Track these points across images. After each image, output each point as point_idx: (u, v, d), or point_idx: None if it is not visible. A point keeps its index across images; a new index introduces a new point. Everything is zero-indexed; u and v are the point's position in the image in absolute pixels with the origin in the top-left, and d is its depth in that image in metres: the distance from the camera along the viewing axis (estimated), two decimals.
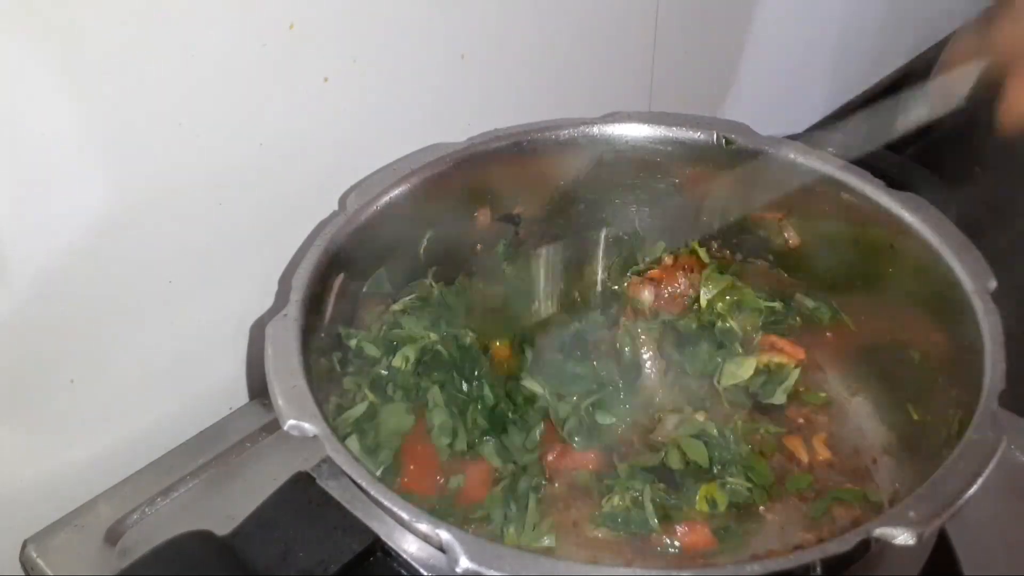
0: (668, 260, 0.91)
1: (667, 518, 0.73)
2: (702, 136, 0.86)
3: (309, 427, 0.61)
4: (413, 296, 0.85)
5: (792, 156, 0.83)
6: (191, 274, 0.79)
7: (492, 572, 0.54)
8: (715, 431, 0.79)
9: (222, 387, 0.88)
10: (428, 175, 0.81)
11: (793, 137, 0.93)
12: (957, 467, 0.59)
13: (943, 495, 0.58)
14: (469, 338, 0.82)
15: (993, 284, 0.71)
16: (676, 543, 0.72)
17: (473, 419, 0.78)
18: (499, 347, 0.86)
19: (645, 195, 0.90)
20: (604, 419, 0.81)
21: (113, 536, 0.76)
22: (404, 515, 0.57)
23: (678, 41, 1.10)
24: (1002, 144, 0.68)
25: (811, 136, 1.34)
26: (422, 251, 0.84)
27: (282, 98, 0.78)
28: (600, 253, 0.94)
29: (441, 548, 0.56)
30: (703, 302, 0.89)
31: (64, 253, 0.71)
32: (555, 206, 0.90)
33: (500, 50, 0.93)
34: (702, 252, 0.91)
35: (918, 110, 0.69)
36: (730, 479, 0.76)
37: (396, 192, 0.80)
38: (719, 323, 0.89)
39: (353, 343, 0.79)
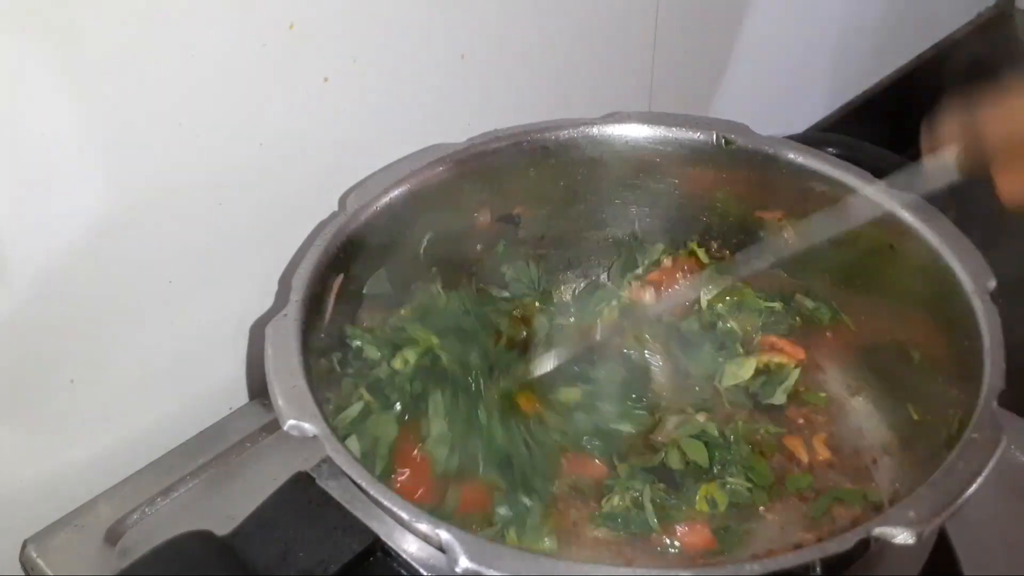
0: (667, 262, 0.91)
1: (667, 518, 0.73)
2: (702, 136, 0.86)
3: (309, 427, 0.61)
4: (418, 303, 0.85)
5: (792, 156, 0.83)
6: (191, 274, 0.79)
7: (492, 572, 0.54)
8: (715, 431, 0.79)
9: (222, 387, 0.88)
10: (428, 175, 0.81)
11: (793, 137, 0.93)
12: (957, 467, 0.59)
13: (943, 495, 0.58)
14: (474, 354, 0.80)
15: (993, 284, 0.71)
16: (676, 543, 0.72)
17: (474, 442, 0.76)
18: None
19: (645, 195, 0.90)
20: (624, 426, 0.80)
21: (113, 536, 0.76)
22: (404, 515, 0.57)
23: (678, 41, 1.10)
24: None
25: (811, 136, 1.34)
26: (422, 251, 0.84)
27: (282, 98, 0.78)
28: (600, 255, 0.94)
29: (441, 548, 0.56)
30: (703, 303, 0.90)
31: (64, 253, 0.71)
32: (555, 206, 0.90)
33: (500, 50, 0.93)
34: (701, 252, 0.91)
35: (915, 186, 0.70)
36: (730, 479, 0.76)
37: (396, 192, 0.80)
38: (720, 323, 0.89)
39: (356, 343, 0.79)
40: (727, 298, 0.89)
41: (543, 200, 0.89)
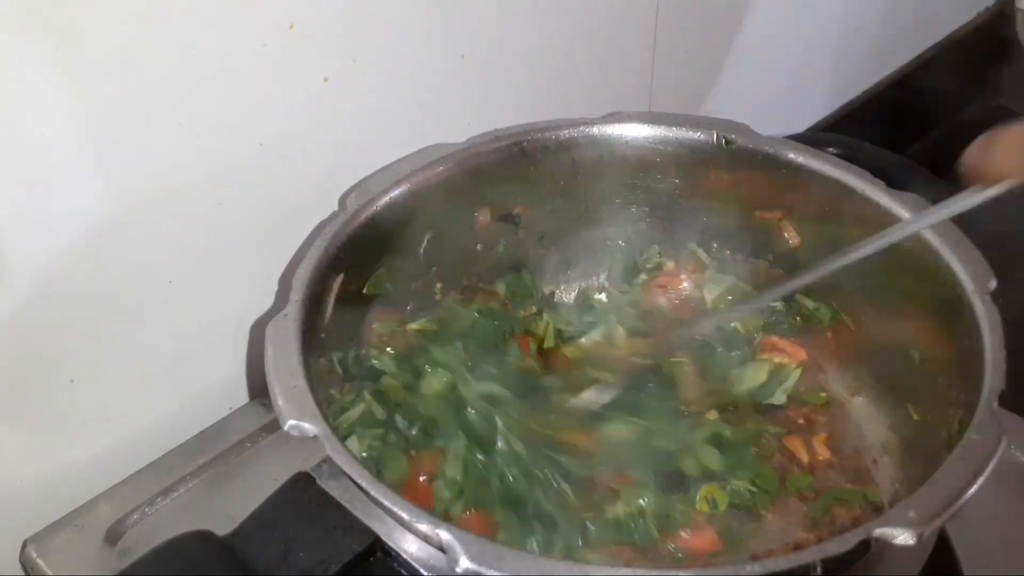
0: (670, 265, 0.91)
1: (669, 524, 0.73)
2: (702, 136, 0.86)
3: (309, 427, 0.61)
4: (432, 318, 0.85)
5: (792, 156, 0.83)
6: (191, 274, 0.79)
7: (492, 572, 0.54)
8: (728, 433, 0.79)
9: (222, 387, 0.88)
10: (428, 175, 0.81)
11: (793, 137, 0.93)
12: (957, 467, 0.59)
13: (943, 495, 0.58)
14: (504, 384, 0.79)
15: (993, 284, 0.71)
16: (680, 553, 0.72)
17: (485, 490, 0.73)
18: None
19: (645, 195, 0.90)
20: (666, 444, 0.78)
21: (113, 536, 0.76)
22: (404, 515, 0.57)
23: (678, 41, 1.10)
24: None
25: (811, 136, 1.34)
26: (422, 251, 0.84)
27: (282, 98, 0.78)
28: (600, 255, 0.94)
29: (441, 548, 0.56)
30: (708, 302, 0.90)
31: (64, 253, 0.71)
32: (555, 206, 0.89)
33: (500, 50, 0.93)
34: (700, 252, 0.91)
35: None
36: (736, 482, 0.76)
37: (396, 192, 0.80)
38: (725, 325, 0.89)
39: (375, 362, 0.79)
40: (728, 298, 0.89)
41: (543, 200, 0.89)
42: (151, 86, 0.70)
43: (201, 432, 0.85)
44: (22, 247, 0.68)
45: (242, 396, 0.89)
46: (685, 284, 0.90)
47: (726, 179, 0.86)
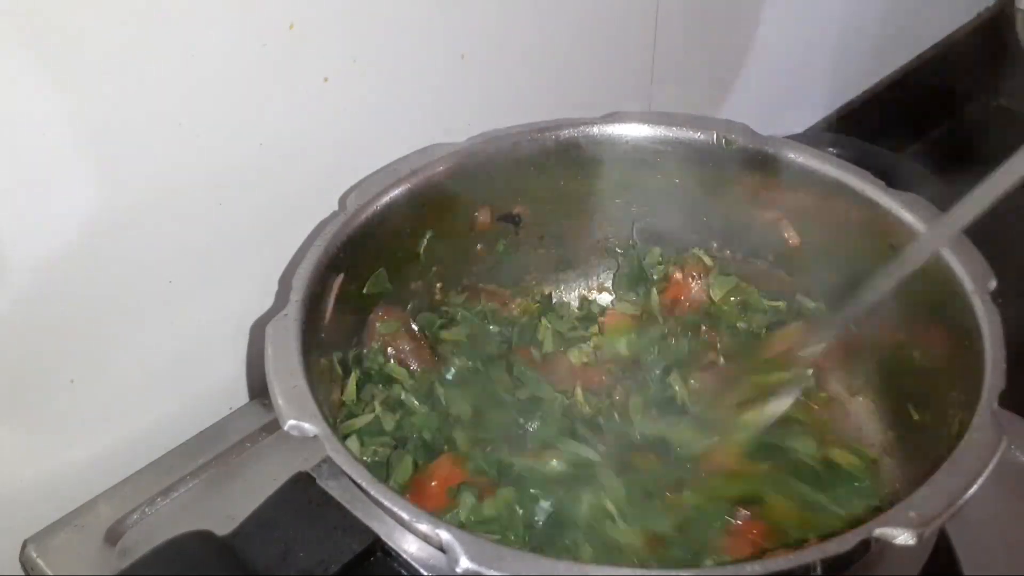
0: (677, 273, 0.91)
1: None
2: (702, 136, 0.85)
3: (309, 427, 0.61)
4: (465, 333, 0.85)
5: (792, 156, 0.83)
6: (191, 274, 0.79)
7: (492, 572, 0.54)
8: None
9: (222, 387, 0.88)
10: (428, 175, 0.81)
11: (793, 137, 0.93)
12: (957, 467, 0.59)
13: (943, 495, 0.58)
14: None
15: (993, 284, 0.71)
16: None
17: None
18: None
19: (645, 195, 0.90)
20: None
21: (113, 536, 0.76)
22: (404, 515, 0.57)
23: (678, 41, 1.10)
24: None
25: (811, 136, 1.34)
26: (422, 251, 0.84)
27: (282, 98, 0.78)
28: (600, 256, 0.94)
29: (441, 548, 0.56)
30: (716, 302, 0.90)
31: (64, 253, 0.71)
32: (555, 206, 0.89)
33: (500, 50, 0.93)
34: (702, 254, 0.91)
35: None
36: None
37: (396, 192, 0.80)
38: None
39: (392, 370, 0.80)
40: (732, 298, 0.89)
41: (543, 200, 0.89)
42: (151, 86, 0.70)
43: (201, 432, 0.85)
44: (22, 247, 0.68)
45: (242, 396, 0.89)
46: (694, 289, 0.90)
47: (726, 179, 0.86)
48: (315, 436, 0.61)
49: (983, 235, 0.74)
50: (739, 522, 0.72)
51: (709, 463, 0.77)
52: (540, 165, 0.86)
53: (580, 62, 1.02)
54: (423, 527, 0.56)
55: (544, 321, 0.89)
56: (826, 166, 0.82)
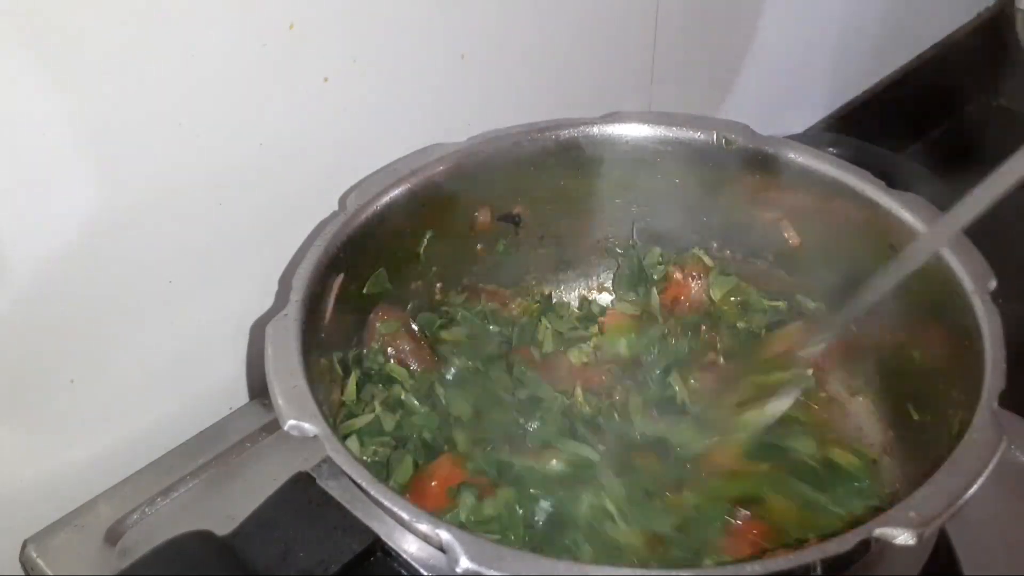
0: (677, 273, 0.91)
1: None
2: (702, 136, 0.85)
3: (309, 427, 0.61)
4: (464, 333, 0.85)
5: (792, 156, 0.83)
6: (191, 274, 0.79)
7: (492, 572, 0.54)
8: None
9: (222, 387, 0.88)
10: (428, 175, 0.81)
11: (793, 137, 0.93)
12: (957, 467, 0.59)
13: (943, 495, 0.58)
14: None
15: (993, 284, 0.71)
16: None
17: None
18: None
19: (645, 195, 0.90)
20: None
21: (113, 536, 0.76)
22: (404, 515, 0.57)
23: (678, 41, 1.10)
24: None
25: (811, 136, 1.34)
26: (422, 251, 0.84)
27: (282, 98, 0.78)
28: (600, 256, 0.94)
29: (441, 548, 0.56)
30: (716, 302, 0.90)
31: (64, 253, 0.71)
32: (555, 206, 0.89)
33: (500, 50, 0.93)
34: (703, 255, 0.91)
35: None
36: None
37: (396, 192, 0.80)
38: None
39: (396, 389, 0.79)
40: (731, 298, 0.89)
41: (543, 200, 0.89)
42: (151, 86, 0.70)
43: (201, 432, 0.85)
44: (22, 247, 0.68)
45: (242, 396, 0.89)
46: (694, 289, 0.90)
47: (726, 179, 0.86)
48: (315, 436, 0.61)
49: (983, 235, 0.74)
50: (739, 522, 0.72)
51: (709, 463, 0.77)
52: (540, 165, 0.86)
53: (580, 62, 1.02)
54: (423, 527, 0.56)
55: (544, 321, 0.89)
56: (826, 166, 0.82)
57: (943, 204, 0.76)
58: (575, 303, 0.95)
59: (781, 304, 0.88)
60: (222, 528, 0.60)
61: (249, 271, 0.84)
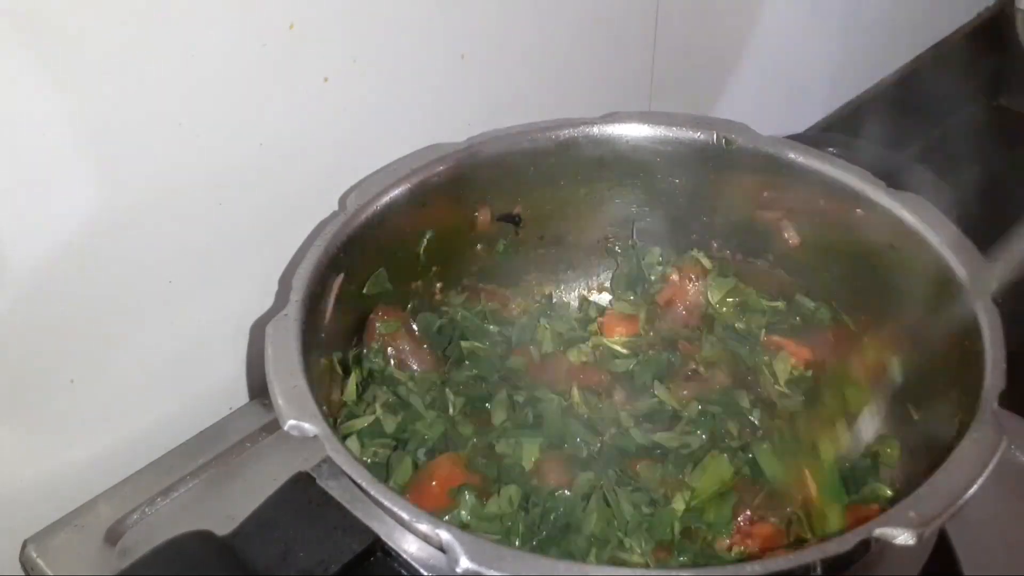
0: (674, 276, 0.91)
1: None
2: (702, 136, 0.86)
3: (309, 427, 0.61)
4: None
5: (792, 156, 0.83)
6: (191, 274, 0.79)
7: (492, 572, 0.54)
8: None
9: (222, 387, 0.88)
10: (428, 175, 0.81)
11: (793, 137, 0.93)
12: (957, 467, 0.59)
13: (943, 495, 0.58)
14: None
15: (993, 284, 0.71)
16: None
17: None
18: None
19: (645, 195, 0.90)
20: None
21: (113, 536, 0.76)
22: (404, 515, 0.57)
23: (678, 41, 1.10)
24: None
25: (811, 136, 1.34)
26: (422, 251, 0.84)
27: (282, 98, 0.78)
28: (600, 256, 0.94)
29: (441, 548, 0.56)
30: (714, 304, 0.89)
31: (64, 253, 0.71)
32: (555, 206, 0.89)
33: (500, 50, 0.93)
34: (702, 256, 0.91)
35: None
36: None
37: (396, 192, 0.80)
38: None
39: (394, 372, 0.79)
40: (730, 299, 0.89)
41: (543, 200, 0.89)
42: (151, 86, 0.70)
43: (201, 432, 0.85)
44: (22, 247, 0.68)
45: (242, 396, 0.89)
46: (691, 291, 0.90)
47: (726, 179, 0.86)
48: (315, 436, 0.61)
49: (983, 235, 0.74)
50: (742, 523, 0.72)
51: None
52: (540, 165, 0.86)
53: (580, 62, 1.02)
54: (423, 527, 0.56)
55: (543, 321, 0.89)
56: (826, 166, 0.82)
57: (943, 204, 0.77)
58: (575, 303, 0.95)
59: (781, 304, 0.88)
60: (222, 528, 0.60)
61: (249, 271, 0.84)
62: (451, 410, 0.79)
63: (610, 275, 0.94)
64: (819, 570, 0.55)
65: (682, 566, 0.69)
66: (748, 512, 0.72)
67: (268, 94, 0.77)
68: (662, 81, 1.11)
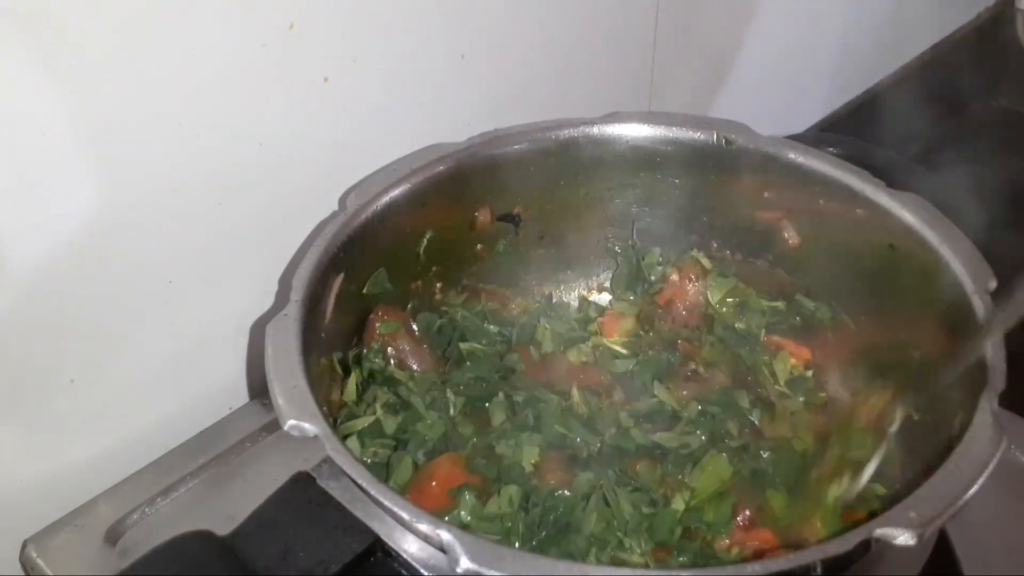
0: (674, 277, 0.91)
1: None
2: (702, 136, 0.86)
3: (309, 427, 0.61)
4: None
5: (792, 156, 0.83)
6: (191, 274, 0.79)
7: (492, 572, 0.54)
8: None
9: (222, 387, 0.88)
10: (428, 175, 0.81)
11: (793, 137, 0.93)
12: (957, 467, 0.59)
13: (943, 495, 0.58)
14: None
15: (993, 284, 0.71)
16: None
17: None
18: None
19: (645, 195, 0.90)
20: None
21: (113, 536, 0.76)
22: (404, 515, 0.57)
23: (678, 41, 1.10)
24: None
25: (811, 136, 1.34)
26: (422, 251, 0.84)
27: (282, 98, 0.78)
28: (600, 256, 0.94)
29: (442, 548, 0.56)
30: (714, 304, 0.89)
31: (64, 253, 0.71)
32: (555, 206, 0.89)
33: (500, 50, 0.93)
34: (702, 257, 0.91)
35: None
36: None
37: (396, 192, 0.80)
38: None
39: (395, 373, 0.79)
40: (729, 299, 0.89)
41: (543, 200, 0.89)
42: (151, 86, 0.70)
43: (201, 432, 0.85)
44: (22, 247, 0.68)
45: (242, 396, 0.89)
46: (690, 291, 0.90)
47: (726, 179, 0.86)
48: (315, 436, 0.61)
49: (983, 235, 0.74)
50: (741, 522, 0.72)
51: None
52: (540, 165, 0.86)
53: (580, 62, 1.02)
54: (423, 527, 0.56)
55: (543, 322, 0.89)
56: (826, 166, 0.82)
57: (943, 204, 0.77)
58: (575, 303, 0.95)
59: (780, 304, 0.88)
60: (222, 528, 0.60)
61: (249, 271, 0.84)
62: (451, 411, 0.79)
63: (610, 275, 0.94)
64: (819, 570, 0.55)
65: (682, 566, 0.69)
66: (747, 512, 0.72)
67: (268, 94, 0.77)
68: (662, 81, 1.11)
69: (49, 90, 0.65)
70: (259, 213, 0.81)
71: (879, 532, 0.55)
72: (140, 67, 0.68)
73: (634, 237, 0.93)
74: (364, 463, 0.65)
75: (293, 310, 0.69)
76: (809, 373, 0.85)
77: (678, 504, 0.72)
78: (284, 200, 0.83)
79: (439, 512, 0.68)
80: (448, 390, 0.80)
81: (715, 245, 0.91)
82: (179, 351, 0.82)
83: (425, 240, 0.84)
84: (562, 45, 0.99)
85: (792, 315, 0.88)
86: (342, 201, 0.80)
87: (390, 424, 0.76)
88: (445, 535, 0.55)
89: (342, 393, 0.77)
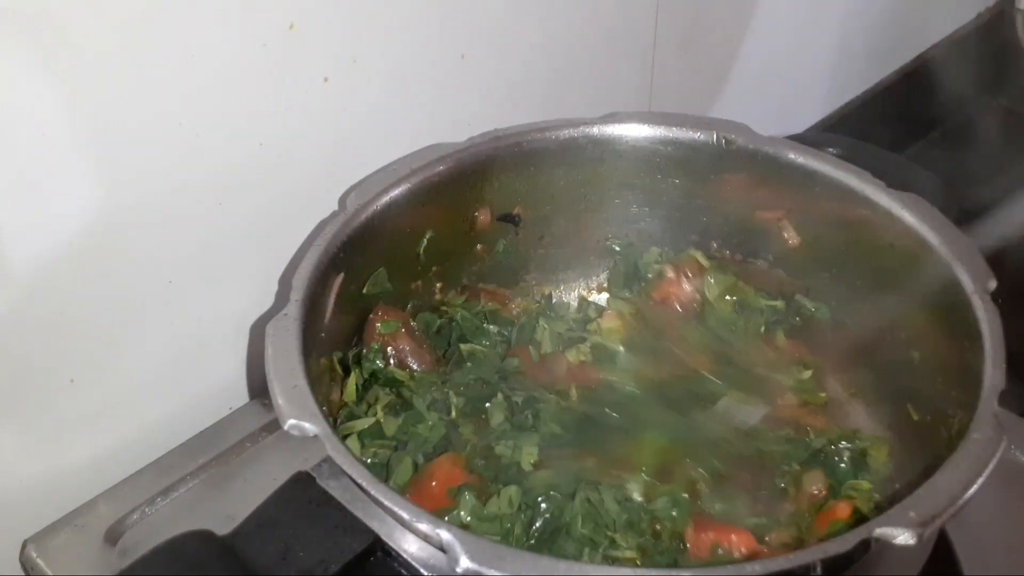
0: (670, 273, 0.91)
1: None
2: (702, 136, 0.86)
3: (309, 427, 0.61)
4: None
5: (792, 156, 0.83)
6: (191, 274, 0.79)
7: (493, 572, 0.54)
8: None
9: (222, 387, 0.88)
10: (428, 175, 0.81)
11: (793, 137, 0.93)
12: (957, 467, 0.59)
13: (943, 495, 0.58)
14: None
15: (993, 284, 0.71)
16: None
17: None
18: None
19: (645, 195, 0.90)
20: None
21: (113, 536, 0.76)
22: (404, 515, 0.57)
23: (678, 41, 1.10)
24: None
25: (811, 136, 1.34)
26: (422, 251, 0.84)
27: (282, 98, 0.78)
28: (600, 256, 0.94)
29: (442, 548, 0.56)
30: (712, 301, 0.89)
31: (64, 253, 0.71)
32: (555, 206, 0.89)
33: (500, 50, 0.93)
34: (699, 255, 0.91)
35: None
36: None
37: (396, 192, 0.80)
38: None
39: (395, 373, 0.79)
40: (727, 298, 0.89)
41: (543, 200, 0.89)
42: (151, 86, 0.70)
43: (201, 432, 0.85)
44: (22, 247, 0.68)
45: (242, 396, 0.89)
46: (687, 289, 0.90)
47: (726, 179, 0.86)
48: (315, 436, 0.61)
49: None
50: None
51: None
52: (540, 165, 0.86)
53: (580, 62, 1.02)
54: (423, 527, 0.57)
55: (542, 322, 0.89)
56: (826, 166, 0.82)
57: (943, 204, 0.77)
58: (574, 303, 0.95)
59: (779, 304, 0.88)
60: (222, 528, 0.60)
61: (249, 271, 0.84)
62: (452, 412, 0.79)
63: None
64: (819, 570, 0.55)
65: (668, 566, 0.69)
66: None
67: (268, 94, 0.77)
68: (662, 81, 1.11)
69: (49, 90, 0.65)
70: (259, 213, 0.81)
71: (879, 532, 0.55)
72: (140, 67, 0.68)
73: (634, 237, 0.92)
74: (364, 463, 0.65)
75: (293, 310, 0.69)
76: (809, 373, 0.85)
77: (635, 494, 0.73)
78: (284, 200, 0.83)
79: (439, 512, 0.68)
80: (449, 391, 0.80)
81: (715, 245, 0.91)
82: (179, 351, 0.82)
83: (425, 240, 0.84)
84: (562, 45, 0.99)
85: (792, 315, 0.88)
86: (342, 201, 0.80)
87: (391, 426, 0.76)
88: (445, 535, 0.55)
89: (342, 393, 0.77)
